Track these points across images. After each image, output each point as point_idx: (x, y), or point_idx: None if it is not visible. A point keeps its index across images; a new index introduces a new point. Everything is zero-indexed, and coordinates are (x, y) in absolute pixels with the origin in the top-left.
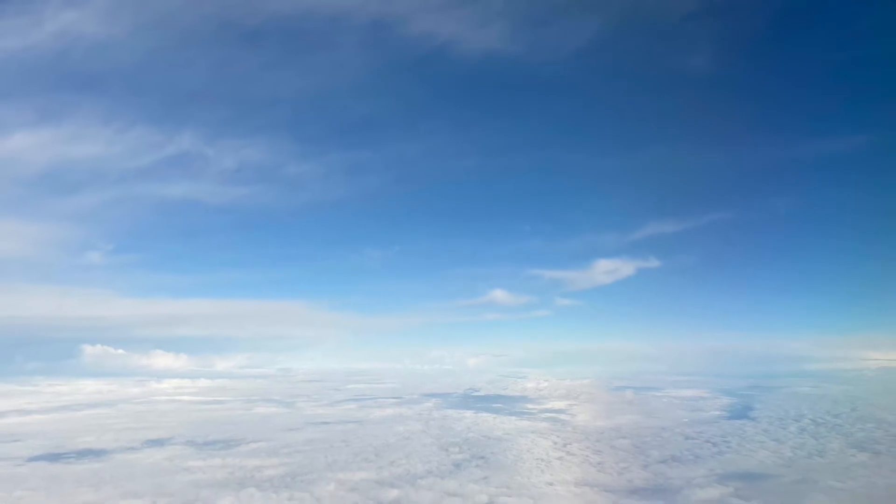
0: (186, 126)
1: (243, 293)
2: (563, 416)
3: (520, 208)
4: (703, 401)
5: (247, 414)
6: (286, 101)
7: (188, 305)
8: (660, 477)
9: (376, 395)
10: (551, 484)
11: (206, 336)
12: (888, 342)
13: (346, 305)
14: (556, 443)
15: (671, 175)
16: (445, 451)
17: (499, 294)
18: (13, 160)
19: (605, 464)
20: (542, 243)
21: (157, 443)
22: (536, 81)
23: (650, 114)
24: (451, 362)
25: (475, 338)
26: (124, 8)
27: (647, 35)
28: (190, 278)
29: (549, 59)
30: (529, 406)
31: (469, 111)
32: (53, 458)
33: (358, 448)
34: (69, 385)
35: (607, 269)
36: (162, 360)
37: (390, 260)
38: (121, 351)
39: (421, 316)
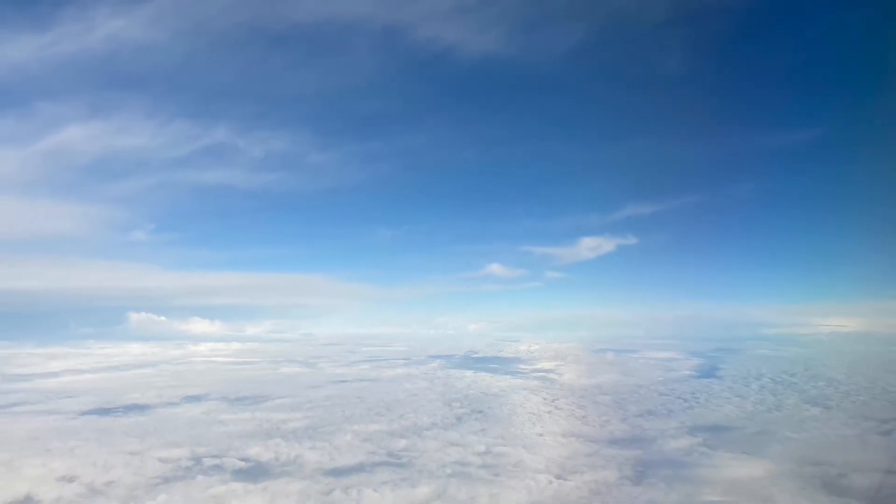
0: (220, 120)
1: (271, 267)
2: (551, 376)
3: (514, 192)
4: (675, 362)
5: (273, 373)
6: (308, 98)
7: (222, 278)
8: (637, 429)
9: (388, 357)
10: (541, 435)
11: (238, 305)
12: (838, 310)
13: (361, 278)
14: (545, 399)
15: (648, 163)
16: (448, 406)
17: (496, 268)
18: (68, 150)
19: (588, 417)
20: (534, 223)
21: (195, 399)
22: (530, 80)
23: (630, 109)
24: (453, 328)
25: (475, 306)
26: (166, 15)
27: (628, 39)
28: (224, 254)
29: (541, 60)
30: (522, 366)
31: (469, 107)
32: (103, 412)
33: (371, 403)
34: (117, 348)
35: (591, 246)
36: (199, 326)
37: (400, 238)
38: (163, 318)
39: (427, 287)
